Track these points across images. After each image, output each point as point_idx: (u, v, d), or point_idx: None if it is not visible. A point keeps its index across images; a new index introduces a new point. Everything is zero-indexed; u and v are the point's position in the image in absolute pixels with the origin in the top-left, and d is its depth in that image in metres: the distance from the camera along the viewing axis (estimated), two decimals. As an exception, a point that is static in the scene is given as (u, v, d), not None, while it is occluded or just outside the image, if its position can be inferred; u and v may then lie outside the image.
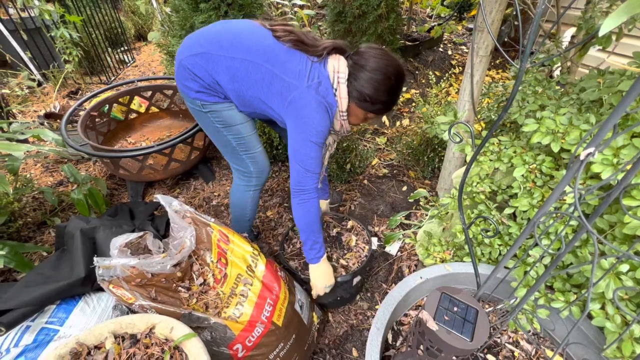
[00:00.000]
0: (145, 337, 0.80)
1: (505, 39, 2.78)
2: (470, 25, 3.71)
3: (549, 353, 0.86)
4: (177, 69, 1.09)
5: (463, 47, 3.45)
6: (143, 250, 1.00)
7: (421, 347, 0.62)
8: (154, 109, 2.24)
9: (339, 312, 1.46)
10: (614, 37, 1.25)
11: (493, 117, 1.47)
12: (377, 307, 1.47)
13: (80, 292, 1.13)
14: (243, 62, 1.01)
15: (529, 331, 0.91)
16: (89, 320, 1.09)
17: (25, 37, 2.64)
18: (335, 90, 1.01)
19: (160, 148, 1.58)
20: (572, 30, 2.15)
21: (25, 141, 1.82)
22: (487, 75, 2.88)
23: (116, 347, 0.77)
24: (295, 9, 2.33)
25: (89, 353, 0.76)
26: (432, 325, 0.56)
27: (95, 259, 0.91)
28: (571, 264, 0.81)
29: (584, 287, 0.79)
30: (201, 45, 1.04)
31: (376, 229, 1.77)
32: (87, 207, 1.65)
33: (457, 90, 2.49)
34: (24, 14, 2.62)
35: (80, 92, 2.93)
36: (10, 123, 1.71)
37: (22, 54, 2.69)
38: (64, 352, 0.74)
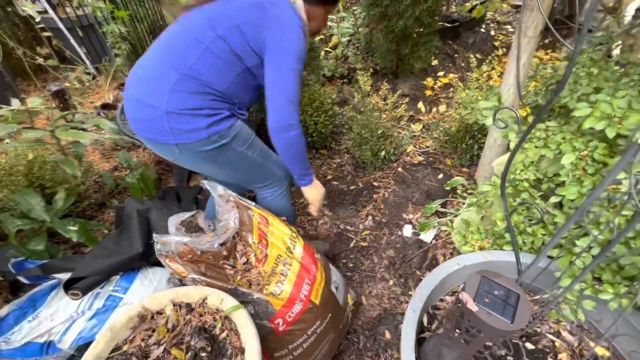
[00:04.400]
0: (199, 306, 0.88)
1: (558, 17, 2.56)
2: (517, 2, 3.45)
3: (594, 345, 0.84)
4: (156, 120, 0.90)
5: (508, 27, 3.23)
6: (195, 229, 1.09)
7: (458, 329, 0.64)
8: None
9: (373, 295, 1.49)
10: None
11: (540, 101, 1.39)
12: (410, 292, 1.48)
13: (138, 265, 1.27)
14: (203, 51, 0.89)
15: (572, 322, 0.89)
16: (147, 290, 1.21)
17: (80, 33, 2.87)
18: (294, 2, 0.92)
19: (204, 136, 1.68)
20: (636, 4, 1.94)
21: (86, 130, 2.01)
22: (534, 57, 2.69)
23: (175, 313, 0.86)
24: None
25: (152, 317, 0.86)
26: (472, 306, 0.57)
27: (154, 235, 1.02)
28: (623, 255, 0.77)
29: (636, 279, 0.75)
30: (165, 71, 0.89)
31: (410, 216, 1.77)
32: (140, 190, 1.80)
33: (499, 73, 2.35)
34: (79, 12, 2.84)
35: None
36: (74, 114, 1.89)
37: (78, 49, 2.92)
38: (133, 314, 0.85)
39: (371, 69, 2.59)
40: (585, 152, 0.85)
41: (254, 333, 0.82)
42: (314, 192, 1.19)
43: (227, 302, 0.88)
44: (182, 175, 2.03)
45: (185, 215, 1.12)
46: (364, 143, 1.88)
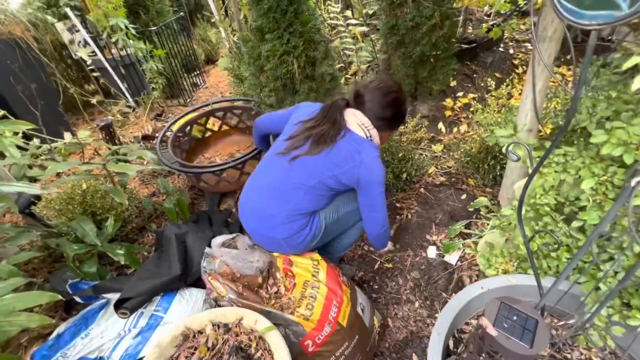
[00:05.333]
0: (235, 326, 0.96)
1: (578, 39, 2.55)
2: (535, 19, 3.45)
3: (628, 373, 0.83)
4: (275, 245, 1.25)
5: (527, 44, 3.24)
6: (234, 255, 1.19)
7: (480, 353, 0.66)
8: (225, 127, 2.53)
9: (399, 318, 1.51)
10: None
11: (560, 122, 1.40)
12: (436, 315, 1.48)
13: (177, 286, 1.37)
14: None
15: (604, 349, 0.88)
16: (184, 310, 1.31)
17: (123, 71, 3.18)
18: (371, 137, 1.19)
19: (235, 164, 1.81)
20: (659, 19, 1.92)
21: (131, 162, 2.21)
22: (556, 73, 2.67)
23: (214, 333, 0.94)
24: (349, 27, 2.45)
25: (194, 336, 0.94)
26: (492, 331, 0.60)
27: (207, 250, 1.14)
28: (650, 281, 0.77)
29: (665, 305, 0.75)
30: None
31: (434, 237, 1.78)
32: (176, 215, 1.94)
33: (520, 91, 2.36)
34: (123, 52, 3.16)
35: (163, 114, 3.41)
36: (120, 145, 2.10)
37: (121, 85, 3.23)
38: (177, 333, 0.93)
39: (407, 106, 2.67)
40: (605, 177, 0.87)
41: (287, 353, 0.87)
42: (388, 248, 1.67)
43: (261, 323, 0.94)
44: (213, 199, 2.17)
45: (227, 237, 1.23)
46: (385, 166, 1.94)
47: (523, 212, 1.07)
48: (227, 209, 2.13)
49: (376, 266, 1.73)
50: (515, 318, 0.62)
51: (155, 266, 1.45)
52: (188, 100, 3.68)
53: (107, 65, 3.06)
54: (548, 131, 1.46)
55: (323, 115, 1.21)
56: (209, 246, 1.26)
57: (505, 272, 1.06)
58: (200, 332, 0.95)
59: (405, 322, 1.49)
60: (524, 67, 2.88)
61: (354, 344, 1.15)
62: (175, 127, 2.26)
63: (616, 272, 0.80)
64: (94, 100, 2.63)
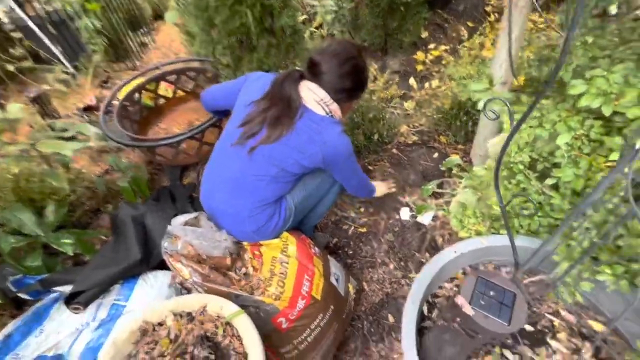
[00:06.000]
0: (200, 314, 0.89)
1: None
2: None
3: (592, 324, 0.85)
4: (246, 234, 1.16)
5: (499, -11, 3.08)
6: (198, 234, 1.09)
7: (457, 324, 0.64)
8: (180, 93, 2.28)
9: (374, 281, 1.51)
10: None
11: (534, 73, 1.34)
12: (410, 275, 1.50)
13: (138, 271, 1.27)
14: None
15: (572, 302, 0.89)
16: (148, 294, 1.22)
17: (53, 30, 2.73)
18: (331, 113, 1.08)
19: (192, 134, 1.64)
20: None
21: (72, 137, 1.96)
22: (528, 21, 2.57)
23: (176, 323, 0.87)
24: None
25: (154, 329, 0.87)
26: (469, 310, 0.57)
27: (168, 228, 1.06)
28: (621, 235, 0.76)
29: (632, 259, 0.75)
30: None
31: (407, 199, 1.76)
32: (133, 193, 1.78)
33: (492, 41, 2.26)
34: (48, 7, 2.68)
35: (109, 80, 3.03)
36: (55, 121, 1.83)
37: (53, 48, 2.79)
38: (135, 328, 0.85)
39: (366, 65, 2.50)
40: (581, 131, 0.82)
41: (257, 337, 0.82)
42: (382, 192, 1.51)
43: (228, 308, 0.88)
44: (174, 173, 2.00)
45: (189, 216, 1.13)
46: (355, 127, 1.84)
47: (497, 171, 1.03)
48: (190, 183, 1.98)
49: (350, 231, 1.70)
50: (492, 293, 0.59)
51: (112, 252, 1.33)
52: (138, 63, 3.29)
53: (30, 23, 2.60)
54: (521, 81, 1.40)
55: (276, 93, 1.07)
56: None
57: (478, 233, 1.05)
58: (160, 325, 0.87)
59: (381, 285, 1.50)
60: (497, 14, 2.75)
61: (329, 314, 1.13)
62: (121, 95, 2.00)
63: (587, 228, 0.79)
64: (16, 65, 2.25)
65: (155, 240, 1.36)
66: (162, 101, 2.23)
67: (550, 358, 0.81)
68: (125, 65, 3.23)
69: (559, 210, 0.88)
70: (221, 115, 1.62)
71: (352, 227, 1.71)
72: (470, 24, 2.68)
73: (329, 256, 1.29)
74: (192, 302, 0.91)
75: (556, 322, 0.88)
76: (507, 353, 0.82)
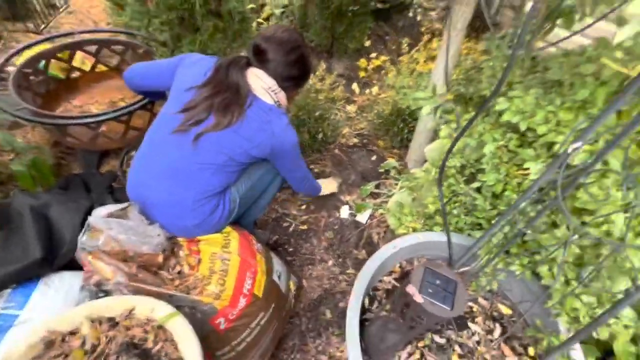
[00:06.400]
0: (125, 319, 0.77)
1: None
2: (440, -10, 3.63)
3: (501, 307, 0.99)
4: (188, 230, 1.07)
5: (432, 13, 3.41)
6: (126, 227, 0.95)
7: (402, 317, 0.68)
8: (101, 67, 1.98)
9: (313, 277, 1.52)
10: (577, 17, 1.31)
11: (462, 90, 1.51)
12: (347, 271, 1.56)
13: (37, 273, 1.05)
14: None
15: (488, 291, 1.03)
16: (54, 301, 1.03)
17: None
18: (279, 102, 1.07)
19: (117, 115, 1.43)
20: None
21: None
22: (464, 45, 2.90)
23: (94, 331, 0.74)
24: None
25: (63, 340, 0.73)
26: (419, 298, 0.61)
27: (90, 220, 0.89)
28: (527, 233, 0.90)
29: (535, 252, 0.89)
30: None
31: (347, 198, 1.82)
32: (32, 180, 1.48)
33: (425, 59, 2.50)
34: None
35: (2, 41, 2.48)
36: None
37: None
38: (35, 340, 0.70)
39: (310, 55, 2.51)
40: (502, 142, 0.95)
41: (194, 340, 0.75)
42: (330, 190, 1.62)
43: (160, 310, 0.78)
44: (90, 159, 1.73)
45: (115, 207, 0.97)
46: (301, 125, 1.84)
47: (432, 173, 1.13)
48: (110, 171, 1.73)
49: (291, 229, 1.69)
50: (438, 282, 0.65)
51: (2, 250, 1.08)
52: (42, 26, 2.75)
53: None
54: (450, 98, 1.57)
55: (222, 79, 1.01)
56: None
57: (414, 229, 1.14)
58: (73, 334, 0.74)
59: (320, 281, 1.52)
60: (429, 35, 3.04)
61: (270, 312, 1.10)
62: (18, 61, 1.65)
63: (503, 226, 0.91)
64: None
65: (63, 235, 1.14)
66: (76, 74, 1.90)
67: (470, 339, 0.92)
68: (25, 26, 2.67)
69: (481, 210, 1.01)
70: (151, 97, 1.46)
71: (293, 225, 1.70)
72: (408, 39, 2.91)
73: (271, 253, 1.26)
74: (114, 305, 0.79)
75: (475, 307, 1.00)
76: (436, 337, 0.90)
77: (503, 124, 1.02)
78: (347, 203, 1.80)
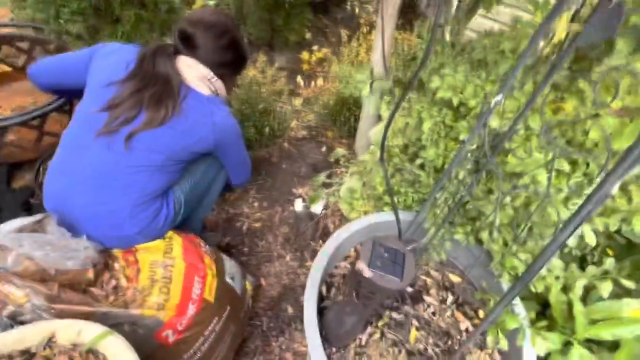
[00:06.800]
0: (44, 348, 0.66)
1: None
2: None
3: (452, 277, 1.04)
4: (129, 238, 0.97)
5: (368, 7, 3.51)
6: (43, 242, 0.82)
7: (356, 295, 0.67)
8: (4, 68, 1.71)
9: (271, 275, 1.47)
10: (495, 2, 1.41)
11: (400, 76, 1.56)
12: (306, 264, 1.53)
13: None
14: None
15: (438, 262, 1.07)
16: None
17: None
18: (217, 92, 1.01)
19: (26, 119, 1.24)
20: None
21: None
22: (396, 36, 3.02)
23: (3, 368, 0.62)
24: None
25: (-39, 385, 0.60)
26: (368, 273, 0.60)
27: None
28: (468, 201, 0.95)
29: (476, 219, 0.95)
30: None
31: (300, 190, 1.79)
32: None
33: (366, 50, 2.55)
34: None
35: None
36: None
37: None
38: None
39: (245, 39, 2.43)
40: (439, 118, 0.99)
41: (133, 358, 0.67)
42: None
43: (89, 332, 0.68)
44: (-3, 174, 1.48)
45: (26, 220, 0.83)
46: (246, 120, 1.76)
47: (378, 154, 1.15)
48: (25, 186, 1.50)
49: (244, 228, 1.62)
50: (386, 255, 0.65)
51: None
52: None
53: None
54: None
55: (148, 71, 0.91)
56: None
57: (366, 212, 1.14)
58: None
59: (278, 278, 1.47)
60: (368, 27, 3.12)
61: (225, 316, 1.03)
62: None
63: (446, 199, 0.95)
64: None
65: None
66: (-30, 76, 1.62)
67: (426, 311, 0.94)
68: None
69: (425, 185, 1.05)
70: (65, 96, 1.29)
71: (246, 223, 1.63)
72: (347, 32, 2.96)
73: (222, 254, 1.18)
74: (28, 334, 0.67)
75: (428, 280, 1.04)
76: (394, 315, 0.91)
77: (438, 101, 1.06)
78: (300, 196, 1.77)
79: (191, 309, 0.92)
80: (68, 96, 1.30)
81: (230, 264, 1.18)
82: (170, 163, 0.95)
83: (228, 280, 1.10)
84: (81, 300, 0.82)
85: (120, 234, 0.93)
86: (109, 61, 0.96)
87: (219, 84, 1.01)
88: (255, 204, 1.72)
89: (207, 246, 1.11)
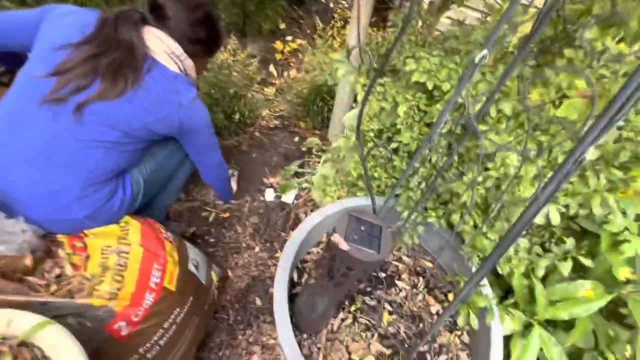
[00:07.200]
0: (-35, 342, 0.56)
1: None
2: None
3: (424, 262, 1.04)
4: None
5: (343, 2, 3.51)
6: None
7: (330, 274, 0.64)
8: None
9: (239, 266, 1.41)
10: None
11: (375, 65, 1.56)
12: (276, 255, 1.48)
13: None
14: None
15: (410, 248, 1.07)
16: None
17: None
18: (186, 71, 0.93)
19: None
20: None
21: None
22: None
23: None
24: None
25: None
26: (344, 246, 0.57)
27: None
28: (440, 184, 0.95)
29: (448, 202, 0.95)
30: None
31: (271, 180, 1.73)
32: None
33: (339, 44, 2.55)
34: None
35: None
36: None
37: None
38: None
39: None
40: (413, 102, 0.99)
41: (76, 350, 0.59)
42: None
43: (22, 323, 0.59)
44: None
45: None
46: (214, 104, 1.67)
47: (352, 139, 1.13)
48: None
49: (211, 218, 1.53)
50: (363, 228, 0.62)
51: None
52: None
53: None
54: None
55: (109, 36, 0.81)
56: None
57: (339, 198, 1.12)
58: None
59: (247, 269, 1.41)
60: (342, 21, 3.12)
61: (187, 307, 0.95)
62: None
63: (419, 183, 0.95)
64: None
65: None
66: None
67: (398, 295, 0.94)
68: None
69: (399, 170, 1.04)
70: (6, 63, 1.14)
71: (214, 214, 1.55)
72: (322, 24, 2.94)
73: (186, 242, 1.10)
74: (-55, 327, 0.57)
75: (400, 266, 1.03)
76: (367, 299, 0.89)
77: (412, 85, 1.06)
78: (271, 185, 1.71)
79: (148, 298, 0.84)
80: (8, 64, 1.15)
81: (194, 252, 1.10)
82: (129, 141, 0.86)
83: (192, 268, 1.03)
84: (16, 290, 0.72)
85: (66, 218, 0.83)
86: (65, 22, 0.85)
87: (189, 64, 0.93)
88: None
89: (169, 232, 1.03)
